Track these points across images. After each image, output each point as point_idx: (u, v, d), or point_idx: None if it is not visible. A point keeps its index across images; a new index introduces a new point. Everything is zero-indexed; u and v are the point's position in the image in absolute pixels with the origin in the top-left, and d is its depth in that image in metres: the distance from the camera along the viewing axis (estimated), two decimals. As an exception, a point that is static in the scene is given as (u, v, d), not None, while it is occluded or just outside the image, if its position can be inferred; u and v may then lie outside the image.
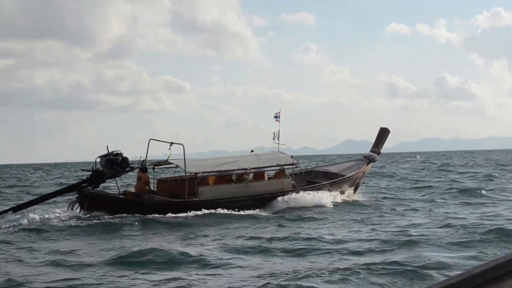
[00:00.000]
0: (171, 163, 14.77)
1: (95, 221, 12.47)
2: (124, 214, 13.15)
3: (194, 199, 13.89)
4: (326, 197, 14.36)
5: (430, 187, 20.10)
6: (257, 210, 13.77)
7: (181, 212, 13.29)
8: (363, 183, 18.33)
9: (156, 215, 12.99)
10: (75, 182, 15.11)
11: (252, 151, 16.47)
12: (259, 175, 15.25)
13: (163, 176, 18.78)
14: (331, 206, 13.97)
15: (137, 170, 14.64)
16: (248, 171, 14.88)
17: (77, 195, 14.18)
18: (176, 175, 15.83)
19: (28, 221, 12.31)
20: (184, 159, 14.12)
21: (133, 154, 15.93)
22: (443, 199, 15.97)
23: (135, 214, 13.09)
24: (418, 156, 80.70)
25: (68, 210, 13.87)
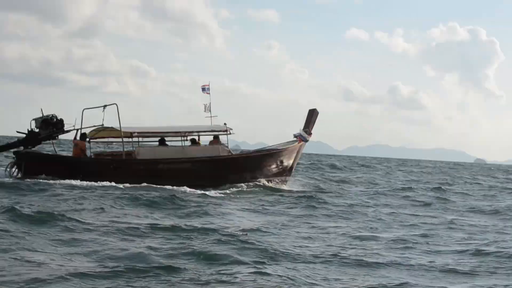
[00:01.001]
0: (106, 128, 14.89)
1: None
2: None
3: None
4: None
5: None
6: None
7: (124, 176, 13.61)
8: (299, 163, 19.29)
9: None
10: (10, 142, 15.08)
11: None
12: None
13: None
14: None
15: (74, 136, 14.96)
16: (182, 134, 15.62)
17: (14, 157, 14.38)
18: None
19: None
20: (119, 118, 14.41)
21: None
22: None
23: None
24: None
25: (5, 172, 13.96)
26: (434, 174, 38.71)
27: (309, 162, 37.60)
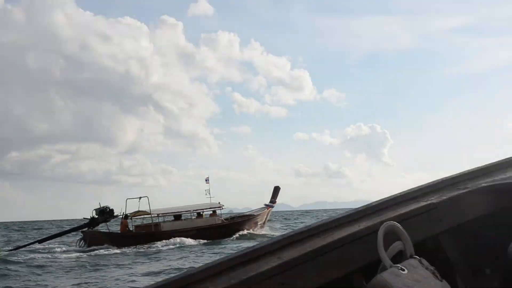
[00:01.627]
0: (141, 211, 22.94)
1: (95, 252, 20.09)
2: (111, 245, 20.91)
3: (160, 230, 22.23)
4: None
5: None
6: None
7: (153, 240, 21.32)
8: (269, 220, 27.65)
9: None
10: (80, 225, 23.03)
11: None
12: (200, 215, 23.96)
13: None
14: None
15: (121, 217, 22.84)
16: (191, 211, 23.55)
17: (81, 235, 22.21)
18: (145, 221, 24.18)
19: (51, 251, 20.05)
20: (149, 205, 22.48)
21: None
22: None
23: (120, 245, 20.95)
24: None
25: (76, 245, 21.70)
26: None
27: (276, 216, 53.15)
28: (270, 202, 25.73)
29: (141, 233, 22.45)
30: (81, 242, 21.85)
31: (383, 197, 1.38)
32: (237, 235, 22.71)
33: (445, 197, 1.36)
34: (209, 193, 24.50)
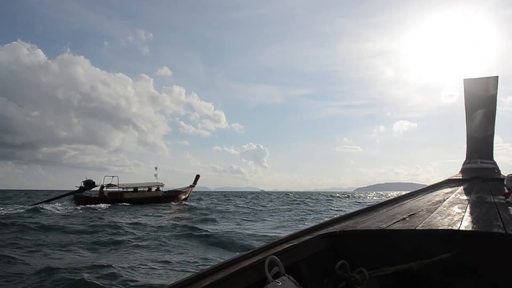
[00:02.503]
0: (112, 184, 36.75)
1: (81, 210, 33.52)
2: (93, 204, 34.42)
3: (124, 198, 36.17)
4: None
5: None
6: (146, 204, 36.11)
7: (118, 202, 35.18)
8: (191, 196, 42.28)
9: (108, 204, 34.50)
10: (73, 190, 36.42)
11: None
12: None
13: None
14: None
15: (99, 186, 36.36)
16: (144, 186, 37.65)
17: (72, 197, 35.66)
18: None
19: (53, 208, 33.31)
20: (118, 181, 36.36)
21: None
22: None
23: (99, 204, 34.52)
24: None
25: (69, 204, 35.11)
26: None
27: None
28: (193, 184, 40.45)
29: (111, 198, 36.22)
30: (73, 202, 35.27)
31: (266, 243, 2.11)
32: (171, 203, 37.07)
33: (300, 242, 2.10)
34: (157, 176, 38.99)
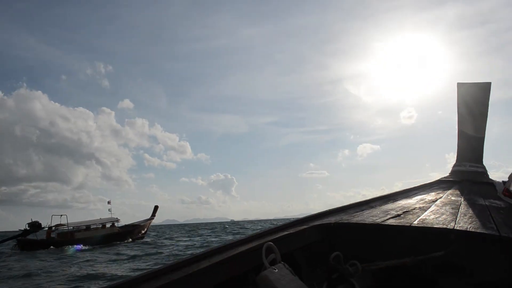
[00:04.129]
0: (61, 224, 33.26)
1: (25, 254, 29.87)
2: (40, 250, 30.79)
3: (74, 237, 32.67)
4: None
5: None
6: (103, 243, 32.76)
7: (69, 244, 31.68)
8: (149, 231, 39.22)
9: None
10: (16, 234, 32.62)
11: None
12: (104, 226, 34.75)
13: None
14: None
15: (46, 229, 32.77)
16: (97, 224, 34.32)
17: (15, 242, 31.88)
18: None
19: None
20: (67, 220, 32.92)
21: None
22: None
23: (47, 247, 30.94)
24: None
25: (12, 249, 31.34)
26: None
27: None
28: (151, 216, 37.49)
29: (60, 240, 32.71)
30: (16, 247, 31.51)
31: (263, 229, 2.20)
32: (129, 239, 33.92)
33: (295, 230, 2.22)
34: (111, 211, 35.75)
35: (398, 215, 2.68)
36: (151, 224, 38.98)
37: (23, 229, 32.15)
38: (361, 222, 2.45)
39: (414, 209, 3.03)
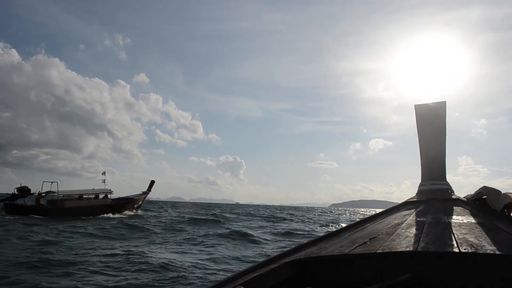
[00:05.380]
0: (51, 191, 31.52)
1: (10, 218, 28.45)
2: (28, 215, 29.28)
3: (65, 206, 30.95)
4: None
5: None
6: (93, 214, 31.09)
7: (56, 212, 30.03)
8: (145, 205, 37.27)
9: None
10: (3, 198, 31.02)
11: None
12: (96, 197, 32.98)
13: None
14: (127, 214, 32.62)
15: (36, 194, 31.13)
16: (89, 194, 32.54)
17: (3, 205, 30.29)
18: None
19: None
20: (57, 188, 31.14)
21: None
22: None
23: (32, 214, 29.33)
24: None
25: (0, 212, 29.77)
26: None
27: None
28: (147, 190, 35.54)
29: (49, 207, 31.04)
30: (3, 211, 29.94)
31: (233, 273, 2.21)
32: (119, 215, 32.13)
33: (266, 270, 2.25)
34: (105, 182, 33.82)
35: (365, 243, 2.73)
36: (147, 198, 37.18)
37: (12, 193, 30.60)
38: (329, 254, 2.51)
39: (380, 234, 3.07)
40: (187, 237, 17.59)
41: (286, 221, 33.39)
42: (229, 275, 2.21)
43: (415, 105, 6.30)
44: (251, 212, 56.95)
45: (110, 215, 31.39)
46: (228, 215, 39.41)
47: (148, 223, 25.05)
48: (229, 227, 23.59)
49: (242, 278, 2.07)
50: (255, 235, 19.03)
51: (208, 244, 15.22)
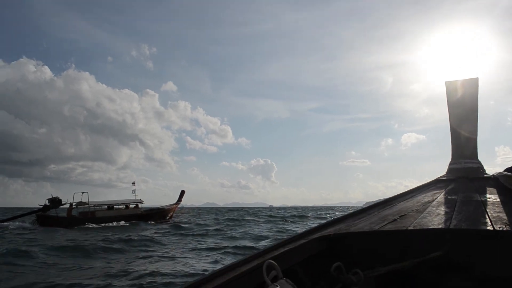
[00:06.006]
0: (82, 202, 31.37)
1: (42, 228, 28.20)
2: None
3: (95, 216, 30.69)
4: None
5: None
6: (126, 222, 30.67)
7: (89, 223, 29.78)
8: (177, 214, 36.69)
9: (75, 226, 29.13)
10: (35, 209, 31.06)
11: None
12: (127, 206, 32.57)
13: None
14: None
15: (68, 205, 31.01)
16: (119, 203, 32.17)
17: (35, 217, 30.28)
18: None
19: (14, 227, 28.10)
20: (88, 198, 30.94)
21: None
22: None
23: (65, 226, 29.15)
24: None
25: (32, 224, 29.76)
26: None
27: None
28: (177, 201, 34.99)
29: (81, 218, 30.85)
30: (35, 222, 29.91)
31: (263, 248, 2.23)
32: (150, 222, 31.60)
33: (295, 246, 2.26)
34: (135, 193, 33.62)
35: (395, 220, 2.76)
36: (180, 206, 36.66)
37: (44, 204, 30.58)
38: (359, 230, 2.53)
39: (411, 212, 3.09)
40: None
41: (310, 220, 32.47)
42: (260, 249, 2.21)
43: (446, 82, 6.18)
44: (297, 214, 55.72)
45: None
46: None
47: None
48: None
49: (271, 253, 2.11)
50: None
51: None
